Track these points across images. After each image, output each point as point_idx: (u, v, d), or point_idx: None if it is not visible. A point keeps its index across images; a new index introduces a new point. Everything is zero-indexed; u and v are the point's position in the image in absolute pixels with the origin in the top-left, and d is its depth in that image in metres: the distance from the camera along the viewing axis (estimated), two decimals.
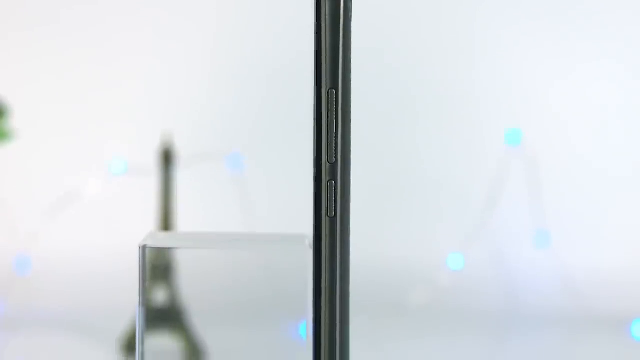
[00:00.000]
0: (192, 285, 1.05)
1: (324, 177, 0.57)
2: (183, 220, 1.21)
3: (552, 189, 1.49)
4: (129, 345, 1.14)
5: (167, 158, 1.18)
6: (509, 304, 1.44)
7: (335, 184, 0.57)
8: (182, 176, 1.20)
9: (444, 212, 1.54)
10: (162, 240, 0.69)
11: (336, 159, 0.57)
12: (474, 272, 1.44)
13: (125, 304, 1.13)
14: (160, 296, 1.12)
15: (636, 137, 1.56)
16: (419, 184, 1.56)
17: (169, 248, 0.73)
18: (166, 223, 1.16)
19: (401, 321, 1.35)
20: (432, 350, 1.24)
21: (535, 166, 1.45)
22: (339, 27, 0.57)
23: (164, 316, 1.11)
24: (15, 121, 1.28)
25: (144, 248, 0.62)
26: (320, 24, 0.57)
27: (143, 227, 0.85)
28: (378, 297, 1.38)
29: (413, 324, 1.35)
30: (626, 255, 1.50)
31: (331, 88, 0.57)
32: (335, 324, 0.57)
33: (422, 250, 1.49)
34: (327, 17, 0.57)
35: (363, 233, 1.34)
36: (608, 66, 1.56)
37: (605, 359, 1.22)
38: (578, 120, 1.56)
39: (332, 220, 0.57)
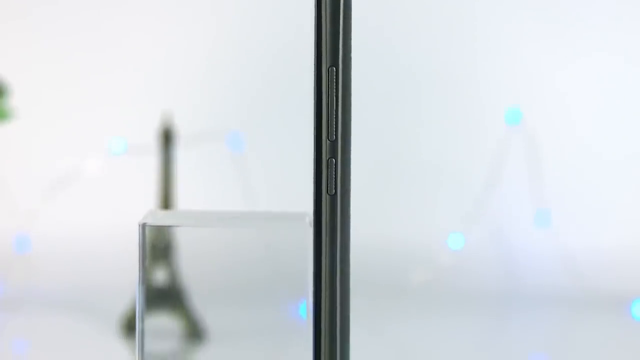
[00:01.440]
0: (192, 264, 1.05)
1: (324, 155, 0.57)
2: (183, 199, 1.21)
3: (552, 168, 1.49)
4: (129, 325, 1.14)
5: (167, 137, 1.17)
6: (509, 283, 1.44)
7: (336, 161, 0.57)
8: (182, 155, 1.20)
9: (445, 191, 1.54)
10: (162, 218, 0.68)
11: (336, 137, 0.57)
12: (474, 252, 1.44)
13: (125, 283, 1.13)
14: (160, 275, 1.12)
15: (637, 117, 1.56)
16: (419, 163, 1.56)
17: (169, 226, 0.73)
18: (166, 203, 1.16)
19: (401, 300, 1.35)
20: (432, 330, 1.24)
21: (536, 145, 1.45)
22: (340, 4, 0.56)
23: (164, 295, 1.12)
24: (15, 100, 1.27)
25: (143, 226, 0.62)
26: (321, 1, 0.56)
27: (143, 207, 0.84)
28: (378, 276, 1.38)
29: (413, 303, 1.35)
30: (627, 235, 1.50)
31: (331, 65, 0.56)
32: (336, 303, 0.57)
33: (423, 230, 1.49)
34: None
35: (363, 212, 1.34)
36: (609, 47, 1.55)
37: (605, 339, 1.22)
38: (578, 99, 1.56)
39: (333, 198, 0.57)
